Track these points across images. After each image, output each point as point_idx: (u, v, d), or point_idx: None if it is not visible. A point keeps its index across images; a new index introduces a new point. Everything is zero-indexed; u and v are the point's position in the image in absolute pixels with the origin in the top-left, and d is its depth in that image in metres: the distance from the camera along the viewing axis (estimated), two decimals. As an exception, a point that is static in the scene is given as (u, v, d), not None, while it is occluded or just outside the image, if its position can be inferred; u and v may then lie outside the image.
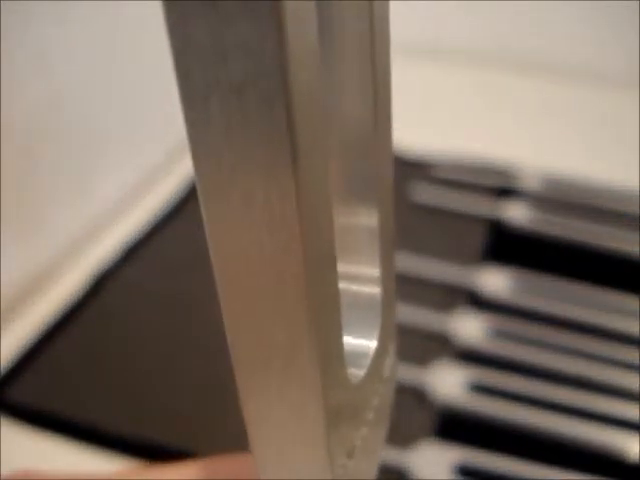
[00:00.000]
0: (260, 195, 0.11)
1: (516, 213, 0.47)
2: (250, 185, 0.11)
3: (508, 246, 0.46)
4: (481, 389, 0.36)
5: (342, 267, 0.15)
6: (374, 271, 0.16)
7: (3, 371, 0.39)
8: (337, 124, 0.15)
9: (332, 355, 0.13)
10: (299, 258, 0.11)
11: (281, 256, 0.11)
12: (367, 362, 0.16)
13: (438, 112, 0.60)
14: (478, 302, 0.41)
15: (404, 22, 0.60)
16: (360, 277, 0.16)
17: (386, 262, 0.16)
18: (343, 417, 0.14)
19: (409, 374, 0.36)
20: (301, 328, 0.12)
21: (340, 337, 0.13)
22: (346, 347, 0.14)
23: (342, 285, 0.14)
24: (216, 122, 0.10)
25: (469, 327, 0.39)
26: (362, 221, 0.15)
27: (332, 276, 0.13)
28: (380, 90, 0.14)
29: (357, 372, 0.15)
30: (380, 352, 0.16)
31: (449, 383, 0.36)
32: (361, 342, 0.16)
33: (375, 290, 0.16)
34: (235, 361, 0.13)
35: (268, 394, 0.13)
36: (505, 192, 0.49)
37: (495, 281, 0.42)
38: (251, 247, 0.11)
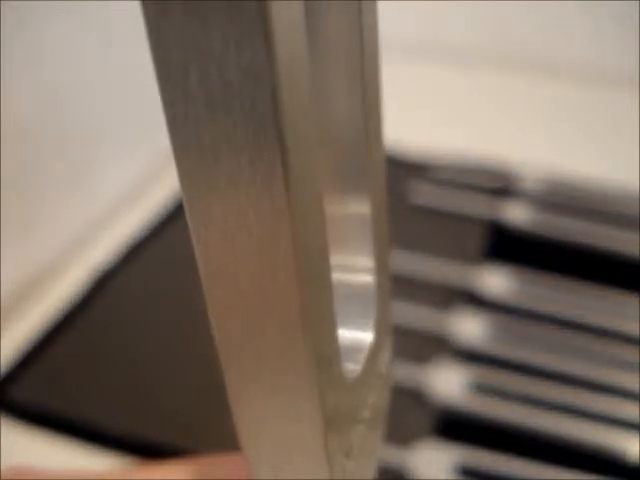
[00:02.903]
0: (246, 177, 0.10)
1: (516, 213, 0.47)
2: (234, 166, 0.10)
3: (508, 246, 0.46)
4: (481, 389, 0.36)
5: (335, 259, 0.15)
6: (368, 262, 0.15)
7: (3, 371, 0.39)
8: (327, 114, 0.14)
9: (327, 350, 0.12)
10: (289, 245, 0.11)
11: (270, 243, 0.11)
12: (363, 357, 0.15)
13: (437, 113, 0.60)
14: (478, 302, 0.41)
15: (403, 21, 0.60)
16: (354, 268, 0.15)
17: (380, 253, 0.15)
18: (340, 415, 0.14)
19: (409, 374, 0.36)
20: (294, 322, 0.11)
21: (335, 330, 0.13)
22: (340, 341, 0.13)
23: (335, 277, 0.14)
24: (196, 99, 0.10)
25: (469, 327, 0.39)
26: (354, 212, 0.15)
27: (325, 265, 0.12)
28: (369, 81, 0.14)
29: (353, 367, 0.15)
30: (376, 346, 0.16)
31: (449, 383, 0.36)
32: (356, 336, 0.15)
33: (369, 281, 0.15)
34: (223, 358, 0.12)
35: (260, 393, 0.12)
36: (505, 192, 0.49)
37: (495, 281, 0.42)
38: (237, 234, 0.11)
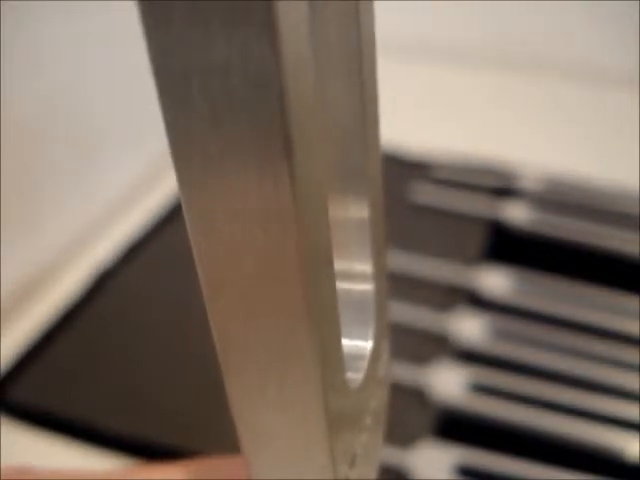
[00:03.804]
0: (252, 185, 0.10)
1: (516, 213, 0.47)
2: (238, 173, 0.10)
3: (508, 246, 0.46)
4: (481, 389, 0.36)
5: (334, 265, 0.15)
6: (366, 268, 0.15)
7: (3, 371, 0.39)
8: (324, 116, 0.14)
9: (332, 356, 0.12)
10: (296, 254, 0.10)
11: (276, 253, 0.10)
12: (364, 365, 0.15)
13: (437, 112, 0.60)
14: (478, 302, 0.41)
15: (402, 21, 0.60)
16: (352, 274, 0.15)
17: (378, 258, 0.15)
18: (343, 425, 0.13)
19: (409, 374, 0.36)
20: (299, 328, 0.11)
21: (339, 337, 0.13)
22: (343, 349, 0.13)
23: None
24: (199, 107, 0.09)
25: (469, 327, 0.39)
26: (353, 218, 0.15)
27: (330, 274, 0.12)
28: (367, 81, 0.14)
29: (355, 376, 0.14)
30: (376, 353, 0.16)
31: (449, 383, 0.36)
32: (356, 343, 0.15)
33: (368, 288, 0.15)
34: (224, 365, 0.12)
35: (263, 404, 0.12)
36: (505, 192, 0.49)
37: (495, 281, 0.42)
38: (242, 245, 0.10)
